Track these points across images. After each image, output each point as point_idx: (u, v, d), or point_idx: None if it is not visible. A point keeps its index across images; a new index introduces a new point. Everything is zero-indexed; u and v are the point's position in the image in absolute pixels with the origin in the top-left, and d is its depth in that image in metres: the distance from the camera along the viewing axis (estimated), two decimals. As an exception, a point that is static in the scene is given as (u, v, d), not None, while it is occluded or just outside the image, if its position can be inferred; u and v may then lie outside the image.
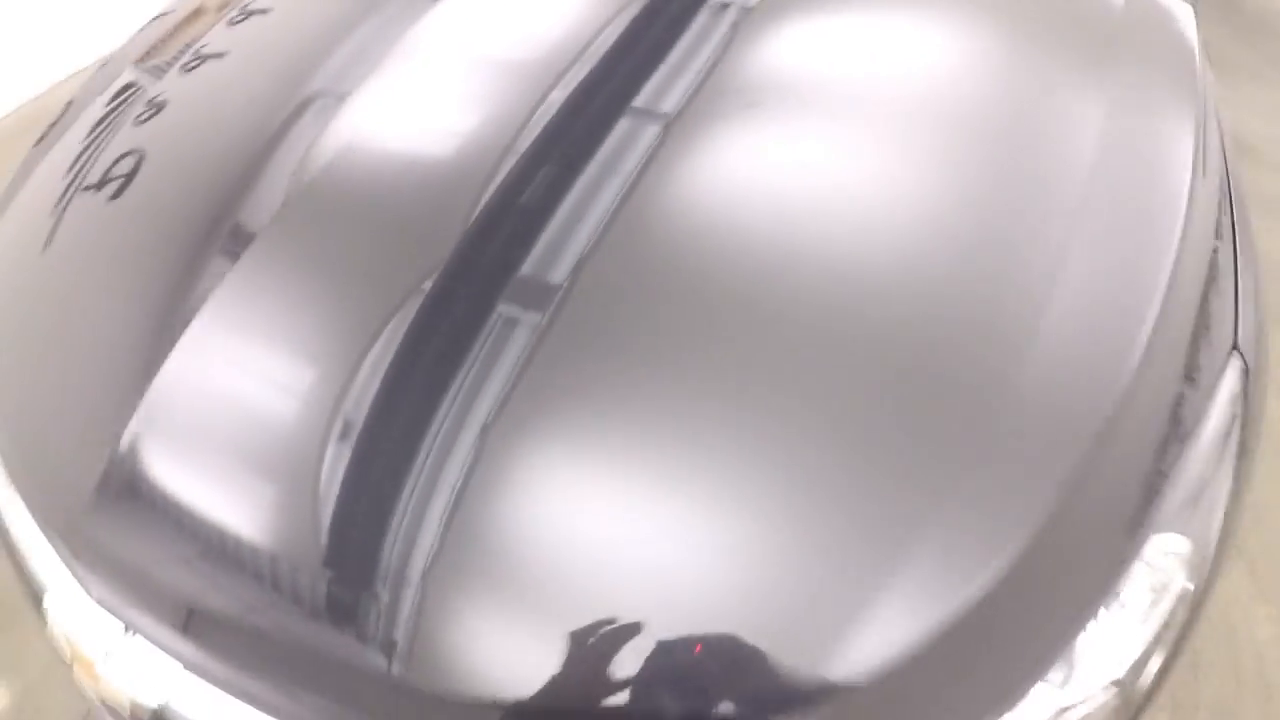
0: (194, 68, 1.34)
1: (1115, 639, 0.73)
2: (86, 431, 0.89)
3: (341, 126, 1.11)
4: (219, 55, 1.35)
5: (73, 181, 1.19)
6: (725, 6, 1.19)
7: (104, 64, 1.54)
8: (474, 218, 0.93)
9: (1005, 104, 1.03)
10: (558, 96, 1.05)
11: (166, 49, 1.45)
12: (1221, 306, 0.93)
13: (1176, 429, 0.81)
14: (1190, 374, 0.84)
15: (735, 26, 1.15)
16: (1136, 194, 0.95)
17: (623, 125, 1.01)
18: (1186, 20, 1.24)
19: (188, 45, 1.41)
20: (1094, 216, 0.90)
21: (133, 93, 1.35)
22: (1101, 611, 0.73)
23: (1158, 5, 1.26)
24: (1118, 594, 0.74)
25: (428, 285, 0.88)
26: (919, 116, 1.00)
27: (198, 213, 1.04)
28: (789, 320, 0.82)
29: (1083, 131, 0.98)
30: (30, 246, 1.11)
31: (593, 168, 0.96)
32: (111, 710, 0.82)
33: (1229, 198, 1.07)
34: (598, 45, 1.13)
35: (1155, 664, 0.75)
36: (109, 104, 1.36)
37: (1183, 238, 0.91)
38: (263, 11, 1.43)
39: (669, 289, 0.86)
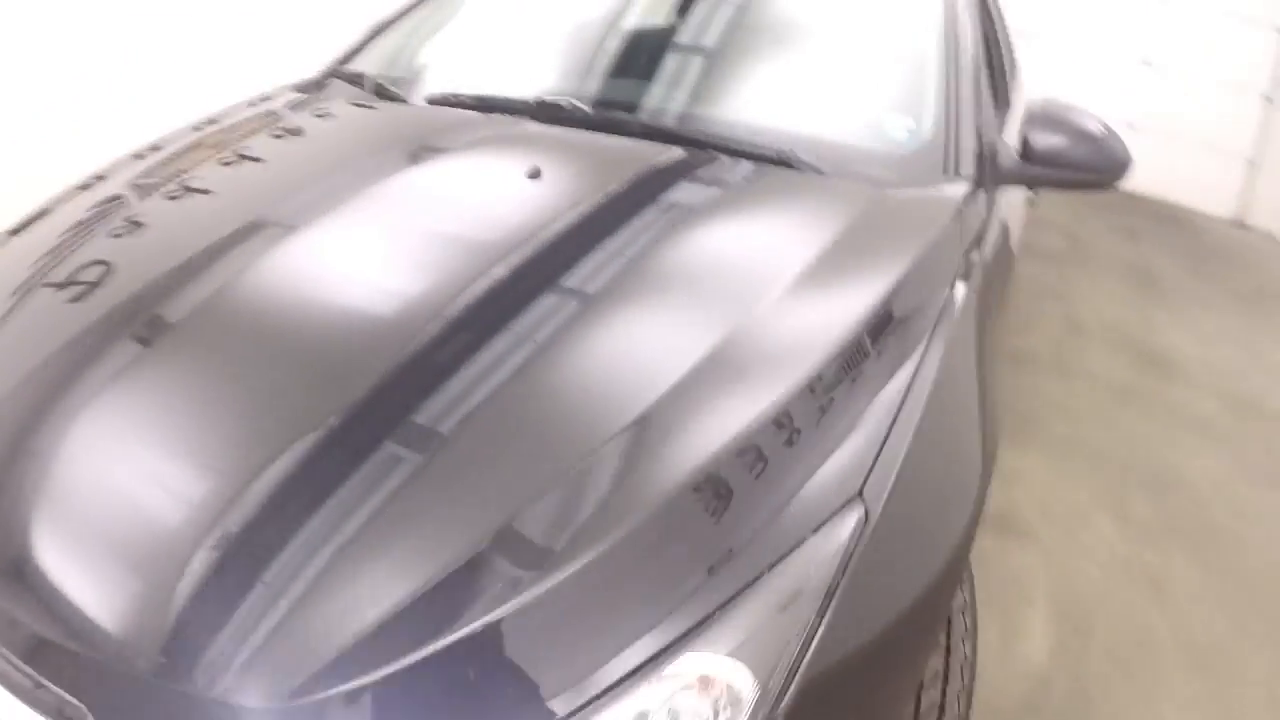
0: (175, 197, 1.47)
1: None
2: None
3: (289, 259, 1.24)
4: (200, 190, 1.50)
5: (39, 272, 1.31)
6: (668, 209, 1.40)
7: (94, 175, 1.67)
8: (390, 368, 1.05)
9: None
10: (499, 272, 1.20)
11: (157, 173, 1.59)
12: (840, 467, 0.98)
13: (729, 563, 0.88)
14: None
15: (670, 225, 1.35)
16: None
17: (545, 301, 1.15)
18: None
19: (178, 173, 1.56)
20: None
21: (116, 205, 1.48)
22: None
23: None
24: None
25: (331, 419, 0.98)
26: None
27: (126, 317, 1.15)
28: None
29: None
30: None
31: (508, 334, 1.10)
32: None
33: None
34: (548, 231, 1.29)
35: None
36: (92, 209, 1.49)
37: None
38: (253, 159, 1.59)
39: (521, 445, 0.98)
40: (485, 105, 1.78)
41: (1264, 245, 6.14)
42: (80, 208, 1.51)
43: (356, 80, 1.97)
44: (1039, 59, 6.81)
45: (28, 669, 0.84)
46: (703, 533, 0.90)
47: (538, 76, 1.94)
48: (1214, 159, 6.60)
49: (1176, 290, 4.87)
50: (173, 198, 1.48)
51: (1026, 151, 1.71)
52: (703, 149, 1.60)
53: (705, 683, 0.82)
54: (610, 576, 0.87)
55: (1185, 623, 2.25)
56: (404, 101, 1.84)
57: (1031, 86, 6.72)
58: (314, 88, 1.98)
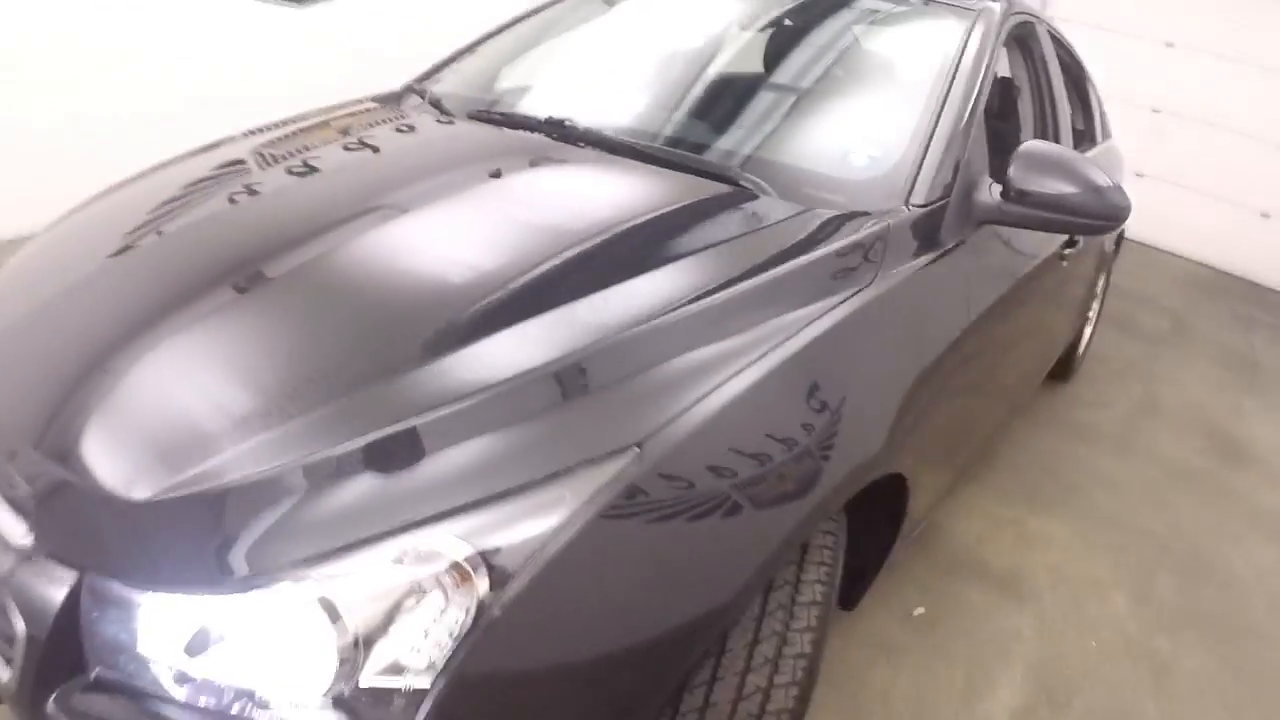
0: (295, 172, 1.73)
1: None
2: None
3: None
4: (317, 170, 1.75)
5: (152, 219, 1.55)
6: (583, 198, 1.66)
7: (224, 140, 1.95)
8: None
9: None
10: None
11: (283, 145, 1.87)
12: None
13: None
14: None
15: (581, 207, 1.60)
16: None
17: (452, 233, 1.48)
18: None
19: (303, 149, 1.83)
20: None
21: (237, 169, 1.74)
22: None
23: None
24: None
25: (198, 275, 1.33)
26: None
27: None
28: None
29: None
30: (98, 248, 1.47)
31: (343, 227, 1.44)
32: None
33: None
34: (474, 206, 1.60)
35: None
36: (214, 169, 1.75)
37: None
38: (371, 148, 1.85)
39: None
40: (507, 121, 2.00)
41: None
42: (205, 166, 1.78)
43: (421, 94, 2.26)
44: (1177, 137, 6.65)
45: None
46: (484, 433, 1.04)
47: (553, 101, 2.14)
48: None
49: (1278, 382, 4.59)
50: (293, 172, 1.76)
51: (1009, 192, 1.72)
52: (662, 166, 1.74)
53: (449, 563, 0.95)
54: (403, 449, 1.03)
55: (1180, 713, 2.12)
56: (451, 115, 2.10)
57: (1169, 162, 6.55)
58: (391, 99, 2.27)
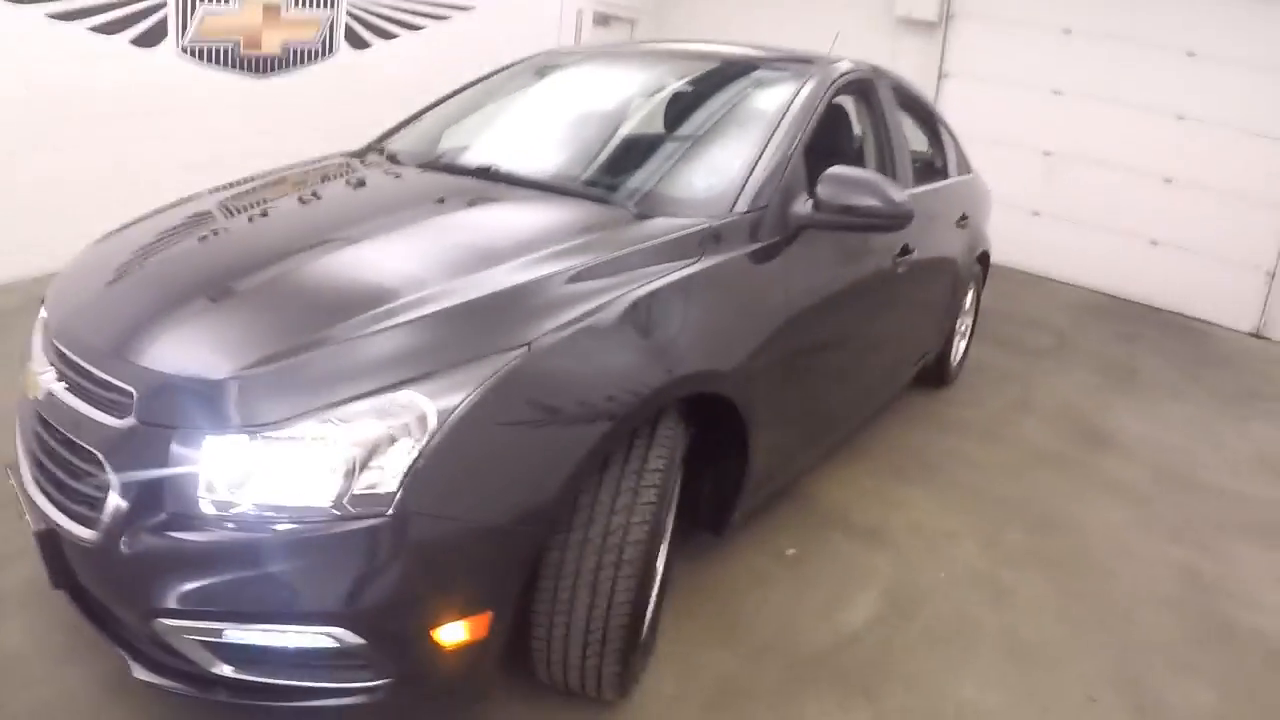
0: (253, 219, 2.30)
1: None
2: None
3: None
4: (274, 214, 2.32)
5: (136, 258, 2.05)
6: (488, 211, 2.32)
7: (191, 197, 2.48)
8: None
9: None
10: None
11: (245, 200, 2.42)
12: None
13: None
14: None
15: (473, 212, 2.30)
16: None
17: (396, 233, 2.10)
18: None
19: (261, 201, 2.40)
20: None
21: (205, 219, 2.27)
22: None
23: None
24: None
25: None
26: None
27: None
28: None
29: None
30: (99, 274, 1.99)
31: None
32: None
33: None
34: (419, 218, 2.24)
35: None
36: (183, 220, 2.27)
37: None
38: (318, 199, 2.45)
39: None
40: (445, 168, 2.66)
41: (1277, 354, 6.33)
42: (176, 217, 2.29)
43: (379, 150, 2.93)
44: (1067, 177, 7.36)
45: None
46: (434, 334, 1.63)
47: (485, 153, 2.82)
48: (1234, 273, 6.87)
49: (1153, 385, 5.11)
50: (251, 220, 2.31)
51: (818, 203, 2.28)
52: (542, 189, 2.40)
53: (416, 414, 1.50)
54: (390, 341, 1.60)
55: (1017, 623, 2.56)
56: (402, 165, 2.74)
57: (1061, 200, 7.19)
58: (357, 155, 2.92)
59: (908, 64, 7.65)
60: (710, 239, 2.11)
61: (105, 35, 4.67)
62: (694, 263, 2.02)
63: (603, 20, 8.75)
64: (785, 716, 2.07)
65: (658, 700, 2.06)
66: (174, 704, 1.83)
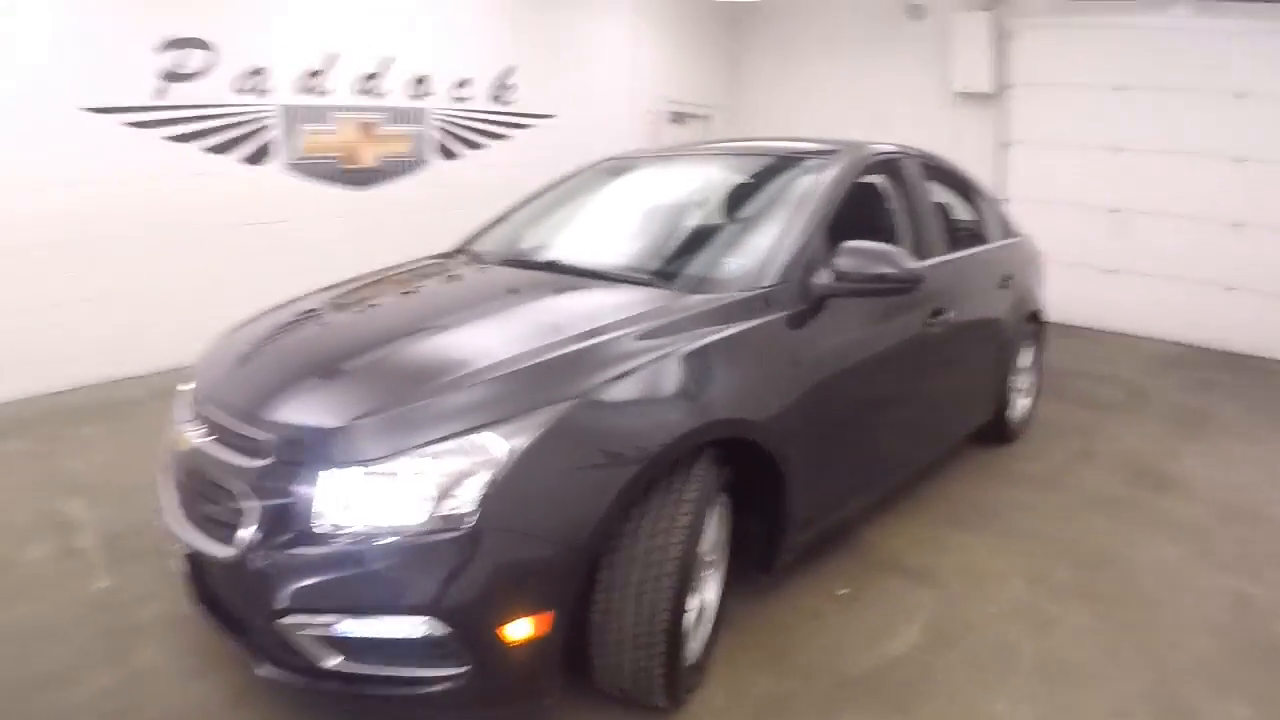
0: (354, 314, 2.80)
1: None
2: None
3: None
4: (371, 309, 2.85)
5: (259, 346, 2.56)
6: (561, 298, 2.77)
7: (302, 296, 3.01)
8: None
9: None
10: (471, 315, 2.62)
11: (351, 297, 2.94)
12: None
13: None
14: None
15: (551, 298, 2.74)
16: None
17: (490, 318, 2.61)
18: None
19: (365, 299, 2.91)
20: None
21: (314, 314, 2.78)
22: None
23: None
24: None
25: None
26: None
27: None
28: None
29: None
30: (231, 357, 2.52)
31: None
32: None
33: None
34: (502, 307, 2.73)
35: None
36: (297, 316, 2.78)
37: None
38: (410, 295, 2.97)
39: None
40: (521, 264, 3.16)
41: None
42: (290, 314, 2.82)
43: (465, 251, 3.49)
44: (1135, 231, 7.45)
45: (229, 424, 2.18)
46: (502, 388, 2.05)
47: (556, 249, 3.32)
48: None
49: (1225, 430, 5.10)
50: (357, 314, 2.85)
51: (837, 274, 2.63)
52: (602, 278, 2.84)
53: (489, 456, 1.91)
54: (469, 395, 2.03)
55: (1056, 648, 2.72)
56: (485, 262, 3.27)
57: (1130, 255, 7.24)
58: (446, 256, 3.48)
59: (970, 135, 7.99)
60: (739, 308, 2.49)
61: (217, 154, 5.52)
62: (723, 329, 2.40)
63: (678, 119, 9.30)
64: (827, 727, 2.32)
65: (709, 711, 2.35)
66: (287, 714, 2.25)
